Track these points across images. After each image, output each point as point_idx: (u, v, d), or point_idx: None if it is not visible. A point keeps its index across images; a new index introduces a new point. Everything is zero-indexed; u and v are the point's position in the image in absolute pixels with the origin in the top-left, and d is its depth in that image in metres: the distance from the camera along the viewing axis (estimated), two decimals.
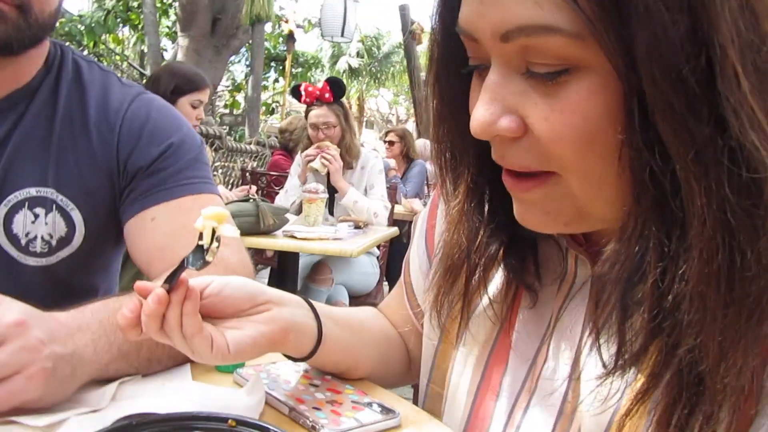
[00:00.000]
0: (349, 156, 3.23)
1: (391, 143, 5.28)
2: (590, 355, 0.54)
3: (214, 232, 0.57)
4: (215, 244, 0.57)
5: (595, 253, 0.54)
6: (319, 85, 3.26)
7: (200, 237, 0.58)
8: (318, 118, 3.17)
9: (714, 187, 0.39)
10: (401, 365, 0.81)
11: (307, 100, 3.23)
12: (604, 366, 0.49)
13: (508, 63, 0.46)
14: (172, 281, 0.56)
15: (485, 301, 0.64)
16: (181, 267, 0.56)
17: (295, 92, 3.32)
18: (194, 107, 2.77)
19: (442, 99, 0.57)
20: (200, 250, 0.57)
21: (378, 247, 3.34)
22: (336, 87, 3.25)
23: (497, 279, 0.64)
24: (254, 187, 3.51)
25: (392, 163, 5.14)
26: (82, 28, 9.46)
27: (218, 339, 0.58)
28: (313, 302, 0.70)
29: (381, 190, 3.34)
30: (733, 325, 0.41)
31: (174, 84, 2.71)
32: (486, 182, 0.57)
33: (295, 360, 0.70)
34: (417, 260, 0.79)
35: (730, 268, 0.40)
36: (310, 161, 2.98)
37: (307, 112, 3.26)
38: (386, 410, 0.65)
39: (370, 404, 0.67)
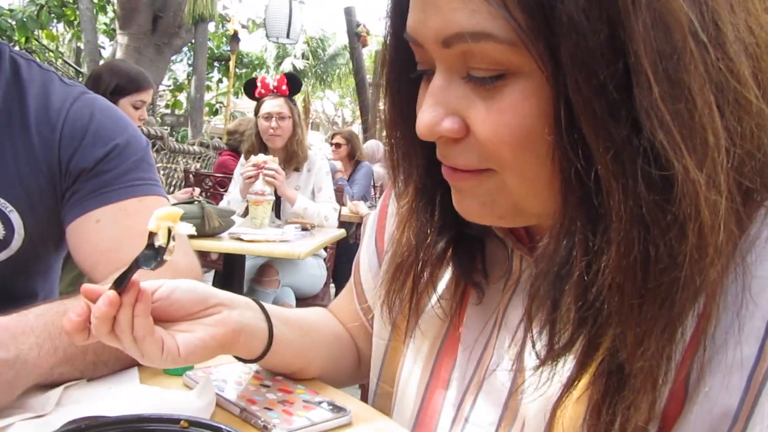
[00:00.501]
0: (300, 151, 3.22)
1: (337, 145, 5.28)
2: (531, 348, 0.56)
3: (170, 231, 0.57)
4: (172, 243, 0.57)
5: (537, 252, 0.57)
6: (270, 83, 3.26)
7: (150, 237, 0.57)
8: (273, 108, 3.14)
9: (630, 185, 0.42)
10: (351, 364, 0.82)
11: (262, 91, 3.21)
12: (538, 357, 0.51)
13: (450, 68, 0.48)
14: (123, 283, 0.55)
15: (434, 298, 0.66)
16: (133, 268, 0.56)
17: (250, 87, 3.28)
18: (136, 108, 2.71)
19: (393, 103, 0.59)
20: (152, 251, 0.57)
21: (325, 248, 3.34)
22: (293, 82, 3.27)
23: (446, 276, 0.66)
24: (198, 189, 3.44)
25: (338, 165, 5.13)
26: (13, 23, 9.05)
27: (168, 342, 0.58)
28: (263, 304, 0.70)
29: (329, 193, 3.34)
30: (647, 314, 0.44)
31: (115, 83, 2.63)
32: (435, 182, 0.58)
33: (245, 362, 0.70)
34: (367, 260, 0.80)
35: (645, 260, 0.43)
36: (251, 181, 2.85)
37: (259, 105, 3.23)
38: (337, 408, 0.66)
39: (321, 403, 0.68)
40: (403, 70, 0.56)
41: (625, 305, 0.44)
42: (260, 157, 2.88)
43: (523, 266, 0.61)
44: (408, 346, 0.69)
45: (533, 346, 0.52)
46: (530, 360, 0.55)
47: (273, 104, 3.16)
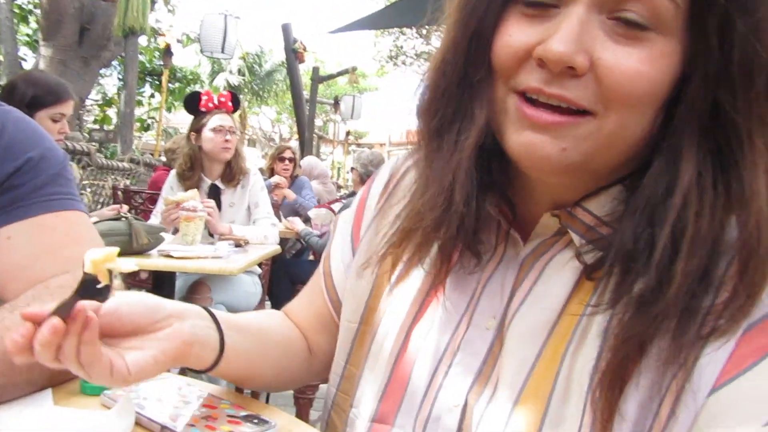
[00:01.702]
0: (239, 167, 3.19)
1: (290, 160, 5.18)
2: (519, 311, 0.60)
3: (110, 271, 0.55)
4: (115, 281, 0.55)
5: (524, 235, 0.63)
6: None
7: (84, 275, 0.55)
8: (225, 122, 3.12)
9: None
10: (301, 366, 0.81)
11: (210, 105, 3.16)
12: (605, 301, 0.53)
13: (595, 4, 0.50)
14: (64, 312, 0.52)
15: (418, 272, 0.67)
16: (75, 299, 0.53)
17: (193, 100, 3.21)
18: (55, 121, 2.59)
19: (465, 29, 0.56)
20: (90, 284, 0.55)
21: (260, 265, 3.29)
22: (235, 100, 3.29)
23: (434, 247, 0.65)
24: (125, 207, 3.33)
25: (278, 179, 5.00)
26: None
27: (117, 362, 0.55)
28: (214, 312, 0.69)
29: (267, 208, 3.30)
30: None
31: (32, 94, 2.51)
32: (483, 128, 0.57)
33: (197, 372, 0.68)
34: (339, 253, 0.80)
35: None
36: (175, 219, 2.71)
37: (204, 118, 3.17)
38: (262, 422, 0.66)
39: (246, 417, 0.67)
40: None
41: (762, 240, 0.49)
42: (180, 196, 2.76)
43: (509, 246, 0.65)
44: (383, 319, 0.69)
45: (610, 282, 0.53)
46: (515, 327, 0.60)
47: (225, 118, 3.14)
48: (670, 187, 0.51)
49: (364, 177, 3.92)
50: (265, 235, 3.14)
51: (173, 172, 3.30)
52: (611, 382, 0.51)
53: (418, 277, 0.68)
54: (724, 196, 0.50)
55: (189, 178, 3.17)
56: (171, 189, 3.22)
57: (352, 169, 5.01)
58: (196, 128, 3.16)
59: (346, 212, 0.83)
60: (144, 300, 0.61)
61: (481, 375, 0.62)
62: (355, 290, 0.74)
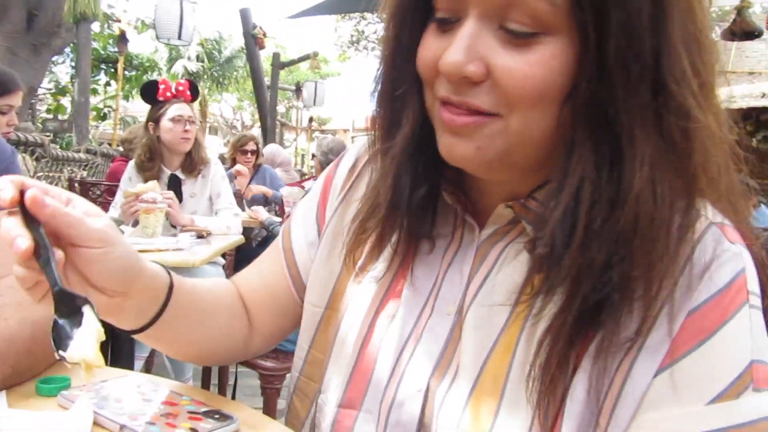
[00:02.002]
0: (200, 157, 3.14)
1: (252, 152, 5.09)
2: (475, 299, 0.62)
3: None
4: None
5: (481, 222, 0.65)
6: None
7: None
8: (184, 111, 3.04)
9: (652, 134, 0.50)
10: (238, 341, 0.79)
11: (168, 94, 3.08)
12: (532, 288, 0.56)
13: (485, 16, 0.53)
14: None
15: (383, 258, 0.68)
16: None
17: (150, 89, 3.13)
18: (3, 113, 2.50)
19: (399, 46, 0.61)
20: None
21: (224, 255, 3.25)
22: (194, 88, 3.20)
23: (395, 236, 0.67)
24: None
25: (241, 168, 4.92)
26: None
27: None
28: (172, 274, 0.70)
29: (228, 197, 3.25)
30: (656, 237, 0.51)
31: None
32: (424, 129, 0.61)
33: (130, 332, 0.67)
34: (303, 230, 0.79)
35: (654, 194, 0.50)
36: (135, 212, 2.65)
37: (162, 108, 3.09)
38: (224, 416, 0.65)
39: (207, 413, 0.66)
40: (417, 15, 0.59)
41: (638, 232, 0.51)
42: (142, 190, 2.72)
43: (465, 233, 0.67)
44: (348, 306, 0.70)
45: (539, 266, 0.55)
46: (472, 313, 0.62)
47: (183, 107, 3.06)
48: (564, 184, 0.53)
49: (324, 164, 3.89)
50: (228, 226, 3.10)
51: (132, 163, 3.23)
52: (551, 368, 0.54)
53: (384, 261, 0.69)
54: (614, 191, 0.51)
55: (148, 169, 3.10)
56: (130, 180, 3.15)
57: (313, 156, 4.97)
58: (154, 118, 3.09)
59: (314, 188, 0.82)
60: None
61: (442, 360, 0.63)
62: (321, 274, 0.74)
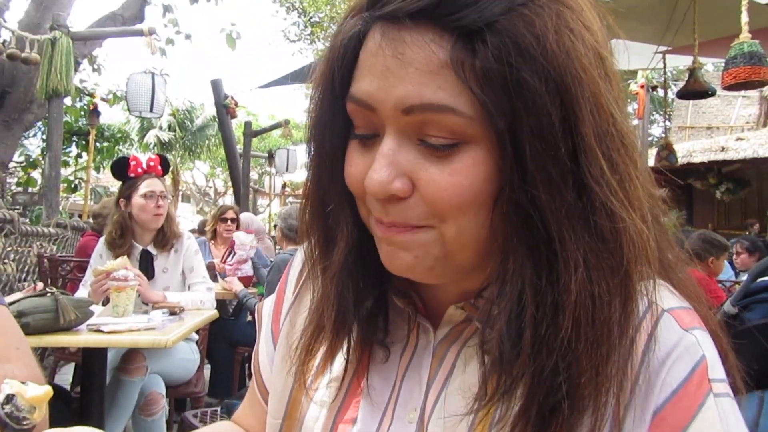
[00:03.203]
0: (172, 232, 3.13)
1: (232, 221, 5.10)
2: (437, 403, 0.60)
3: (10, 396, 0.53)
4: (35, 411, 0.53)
5: (435, 323, 0.64)
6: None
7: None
8: (155, 187, 3.05)
9: (581, 236, 0.50)
10: None
11: (139, 170, 3.08)
12: (485, 395, 0.54)
13: (403, 133, 0.53)
14: None
15: (339, 359, 0.66)
16: None
17: (121, 165, 3.13)
18: None
19: (323, 165, 0.61)
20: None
21: (197, 331, 3.19)
22: (164, 162, 3.22)
23: (350, 339, 0.66)
24: (41, 285, 3.17)
25: (217, 263, 4.86)
26: None
27: None
28: None
29: (201, 272, 3.24)
30: (599, 343, 0.50)
31: None
32: (362, 240, 0.61)
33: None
34: (264, 348, 0.79)
35: (593, 295, 0.50)
36: (106, 290, 2.65)
37: (134, 184, 3.09)
38: None
39: None
40: (337, 132, 0.59)
41: (582, 335, 0.49)
42: (110, 265, 2.68)
43: (420, 335, 0.65)
44: (304, 417, 0.68)
45: (485, 378, 0.54)
46: (434, 423, 0.60)
47: (155, 183, 3.08)
48: (504, 290, 0.53)
49: (285, 231, 3.89)
50: (202, 300, 3.07)
51: (102, 239, 3.20)
52: None
53: (339, 368, 0.67)
54: (556, 295, 0.50)
55: (119, 246, 3.08)
56: (100, 257, 3.12)
57: (275, 226, 5.00)
58: (126, 194, 3.10)
59: (267, 302, 0.82)
60: None
61: None
62: (277, 386, 0.72)
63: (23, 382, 0.56)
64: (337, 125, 0.58)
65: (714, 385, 0.53)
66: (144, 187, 3.05)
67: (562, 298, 0.49)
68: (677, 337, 0.54)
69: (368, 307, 0.63)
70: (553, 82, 0.48)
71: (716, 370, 0.54)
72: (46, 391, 0.55)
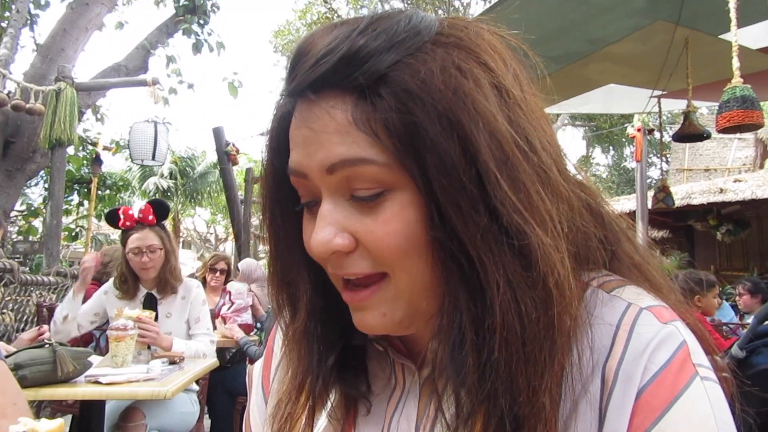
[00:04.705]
0: (173, 278, 3.11)
1: (222, 272, 5.09)
2: None
3: None
4: None
5: (418, 361, 0.65)
6: (135, 207, 3.17)
7: None
8: (141, 242, 3.02)
9: (498, 258, 0.52)
10: None
11: (128, 224, 3.08)
12: (448, 427, 0.55)
13: (335, 192, 0.56)
14: None
15: (323, 419, 0.66)
16: None
17: (112, 217, 3.14)
18: None
19: (278, 236, 0.64)
20: None
21: (197, 381, 3.15)
22: (159, 208, 3.17)
23: (331, 396, 0.67)
24: (46, 327, 3.17)
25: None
26: None
27: None
28: None
29: (207, 323, 3.22)
30: (532, 357, 0.51)
31: None
32: (323, 302, 0.64)
33: None
34: (256, 406, 0.79)
35: (520, 313, 0.51)
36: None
37: (125, 237, 3.08)
38: None
39: None
40: (285, 204, 0.63)
41: (513, 354, 0.51)
42: (136, 313, 2.74)
43: (406, 375, 0.66)
44: None
45: (444, 418, 0.56)
46: None
47: (140, 237, 3.04)
48: (442, 322, 0.55)
49: None
50: (204, 353, 3.06)
51: (110, 281, 3.23)
52: None
53: (326, 428, 0.67)
54: (488, 320, 0.52)
55: (126, 291, 3.11)
56: (105, 294, 3.16)
57: None
58: (122, 244, 3.14)
59: (257, 364, 0.82)
60: None
61: None
62: None
63: (36, 419, 0.56)
64: (285, 200, 0.62)
65: (699, 369, 0.54)
66: (131, 242, 3.06)
67: (492, 321, 0.51)
68: (657, 328, 0.55)
69: (331, 364, 0.64)
70: (446, 119, 0.51)
71: (699, 356, 0.55)
72: (60, 424, 0.55)
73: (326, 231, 0.55)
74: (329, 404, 0.66)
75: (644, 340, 0.54)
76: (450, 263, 0.53)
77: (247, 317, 4.49)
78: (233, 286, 4.61)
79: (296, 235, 0.62)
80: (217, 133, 9.47)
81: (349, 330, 0.63)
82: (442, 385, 0.56)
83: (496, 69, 0.56)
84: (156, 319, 3.03)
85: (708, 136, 5.40)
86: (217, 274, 5.04)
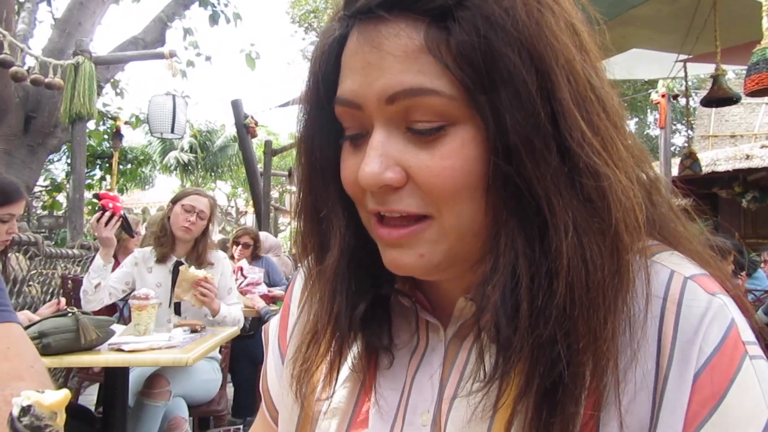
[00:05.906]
0: (204, 252, 3.21)
1: (246, 245, 5.12)
2: (454, 403, 0.58)
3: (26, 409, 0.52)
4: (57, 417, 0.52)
5: (444, 321, 0.62)
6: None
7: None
8: (197, 203, 3.12)
9: (568, 200, 0.50)
10: None
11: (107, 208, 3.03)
12: (485, 374, 0.53)
13: (390, 123, 0.53)
14: None
15: (345, 369, 0.65)
16: None
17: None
18: (3, 221, 2.50)
19: (314, 170, 0.61)
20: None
21: (219, 349, 3.19)
22: (127, 228, 3.31)
23: (354, 347, 0.65)
24: (63, 300, 3.21)
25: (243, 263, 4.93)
26: None
27: None
28: None
29: (236, 293, 3.40)
30: (595, 306, 0.49)
31: None
32: (357, 244, 0.61)
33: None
34: (273, 364, 0.78)
35: (585, 259, 0.49)
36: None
37: (184, 194, 3.18)
38: None
39: None
40: (326, 136, 0.60)
41: (576, 300, 0.49)
42: (203, 273, 2.87)
43: (430, 334, 0.64)
44: (319, 425, 0.66)
45: (483, 362, 0.53)
46: (452, 422, 0.57)
47: (200, 200, 3.15)
48: (497, 264, 0.52)
49: None
50: (239, 319, 3.20)
51: (141, 253, 3.27)
52: None
53: (347, 378, 0.66)
54: (549, 264, 0.50)
55: (162, 244, 3.15)
56: (135, 266, 3.22)
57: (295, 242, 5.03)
58: (174, 200, 3.23)
59: (273, 321, 0.80)
60: None
61: None
62: (287, 401, 0.70)
63: (39, 391, 0.55)
64: (326, 132, 0.59)
65: (748, 347, 0.52)
66: (187, 199, 3.15)
67: (555, 265, 0.49)
68: (706, 302, 0.53)
69: (361, 312, 0.62)
70: (526, 51, 0.49)
71: (747, 332, 0.53)
72: (65, 394, 0.54)
73: (377, 162, 0.53)
74: (350, 354, 0.65)
75: (696, 315, 0.52)
76: (513, 205, 0.51)
77: (262, 288, 4.55)
78: (243, 264, 4.68)
79: (334, 170, 0.59)
80: (236, 106, 9.47)
81: (378, 279, 0.61)
82: (488, 331, 0.53)
83: (569, 9, 0.54)
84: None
85: (738, 100, 5.26)
86: (240, 247, 5.07)
